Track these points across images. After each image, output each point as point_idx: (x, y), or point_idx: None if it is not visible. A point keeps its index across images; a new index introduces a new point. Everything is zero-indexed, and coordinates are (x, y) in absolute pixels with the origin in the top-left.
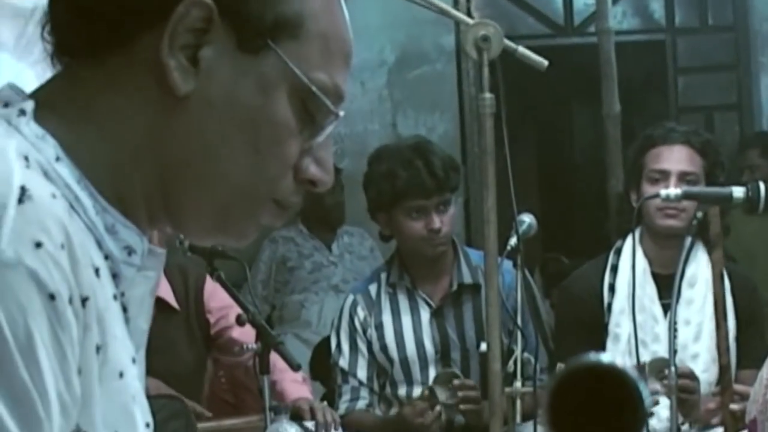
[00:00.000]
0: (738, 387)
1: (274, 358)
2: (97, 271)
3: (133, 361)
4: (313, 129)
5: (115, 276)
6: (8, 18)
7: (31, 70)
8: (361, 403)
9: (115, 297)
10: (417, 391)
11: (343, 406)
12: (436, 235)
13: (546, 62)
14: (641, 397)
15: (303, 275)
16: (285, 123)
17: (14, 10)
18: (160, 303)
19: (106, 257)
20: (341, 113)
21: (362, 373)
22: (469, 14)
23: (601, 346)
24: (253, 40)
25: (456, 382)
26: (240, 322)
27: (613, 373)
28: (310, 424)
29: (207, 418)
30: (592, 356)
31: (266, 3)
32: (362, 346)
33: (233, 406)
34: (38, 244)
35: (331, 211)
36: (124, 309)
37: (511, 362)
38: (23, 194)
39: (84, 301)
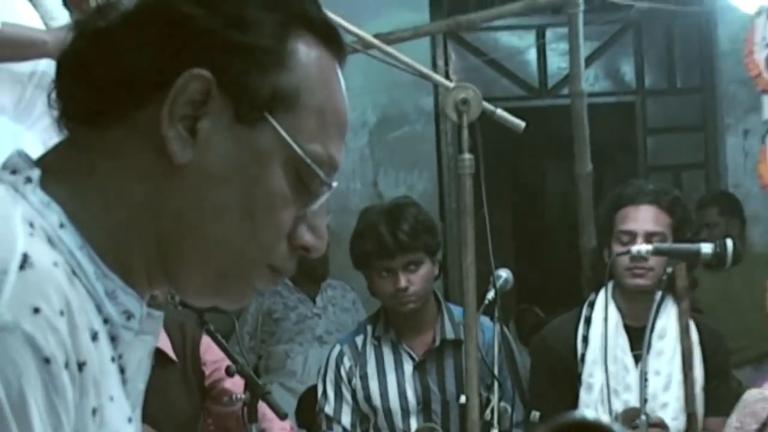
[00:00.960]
0: None
1: (262, 407)
2: (95, 335)
3: (129, 420)
4: (308, 198)
5: (113, 339)
6: (7, 83)
7: (29, 132)
8: None
9: (113, 359)
10: None
11: None
12: (404, 293)
13: (523, 124)
14: None
15: (288, 326)
16: (280, 192)
17: (12, 75)
18: (159, 354)
19: (106, 321)
20: (335, 183)
21: (346, 419)
22: (447, 77)
23: (575, 395)
24: (250, 112)
25: None
26: (229, 373)
27: (599, 427)
28: None
29: None
30: (579, 412)
31: (263, 77)
32: (347, 394)
33: None
34: (36, 310)
35: (315, 266)
36: (122, 370)
37: (488, 411)
38: (25, 261)
39: (81, 365)
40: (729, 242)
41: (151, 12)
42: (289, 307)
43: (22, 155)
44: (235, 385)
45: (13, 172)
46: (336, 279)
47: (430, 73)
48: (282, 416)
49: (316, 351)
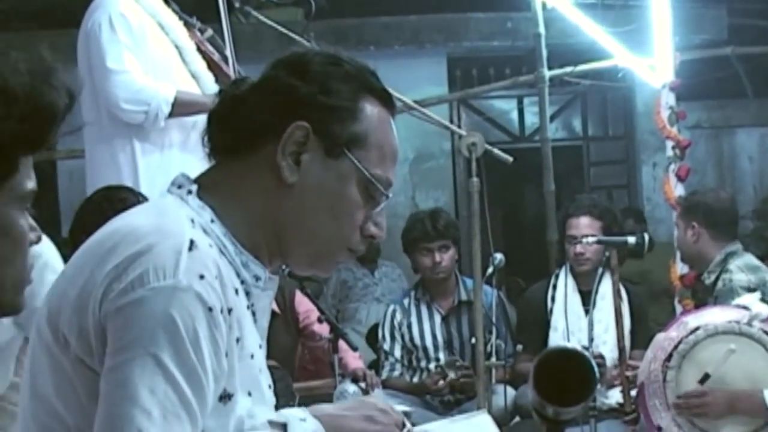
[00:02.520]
0: (631, 362)
1: (341, 343)
2: (236, 291)
3: (260, 347)
4: (373, 204)
5: (247, 293)
6: (176, 127)
7: (194, 158)
8: (396, 373)
9: (248, 307)
10: (431, 366)
11: (384, 374)
12: (439, 266)
13: (510, 159)
14: (593, 369)
15: (356, 291)
16: (355, 201)
17: (181, 123)
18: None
19: (242, 282)
20: (390, 195)
21: (397, 353)
22: (459, 127)
23: (545, 335)
24: (335, 149)
25: (458, 364)
26: (319, 320)
27: (575, 353)
28: (363, 384)
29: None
30: (562, 344)
31: (343, 126)
32: (398, 336)
33: (313, 372)
34: (201, 276)
35: (372, 251)
36: (254, 314)
37: (489, 347)
38: (192, 244)
39: (229, 311)
40: (646, 236)
41: (269, 84)
42: (357, 278)
43: (185, 176)
44: (321, 328)
45: (179, 186)
46: (388, 261)
47: (450, 125)
48: (354, 349)
49: (375, 307)
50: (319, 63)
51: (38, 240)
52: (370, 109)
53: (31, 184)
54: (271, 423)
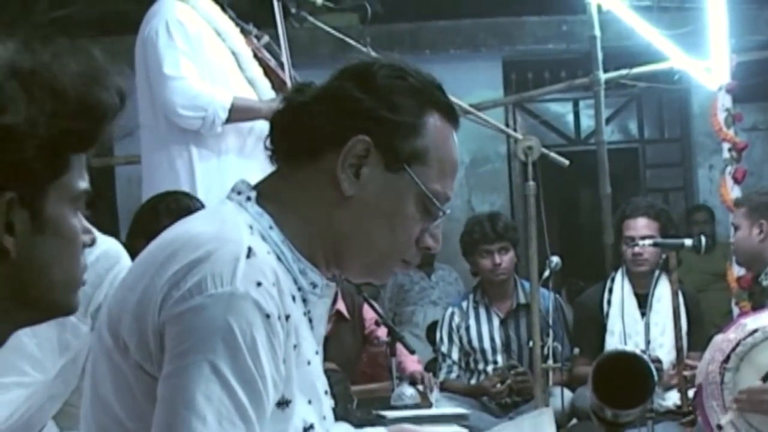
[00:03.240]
0: (689, 361)
1: (399, 346)
2: (294, 298)
3: (316, 352)
4: (429, 218)
5: (305, 300)
6: (233, 133)
7: (253, 165)
8: (453, 375)
9: (304, 314)
10: (489, 369)
11: (442, 376)
12: (498, 267)
13: (567, 162)
14: (651, 372)
15: (413, 294)
16: (412, 216)
17: (238, 129)
18: (339, 314)
19: (299, 289)
20: (447, 211)
21: (455, 355)
22: (514, 131)
23: (602, 339)
24: (395, 164)
25: (516, 369)
26: (377, 323)
27: (633, 356)
28: (420, 387)
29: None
30: (620, 347)
31: (404, 141)
32: (455, 339)
33: (370, 376)
34: (259, 284)
35: (428, 255)
36: (310, 321)
37: (546, 349)
38: (249, 252)
39: (287, 317)
40: (703, 238)
41: (333, 94)
42: (414, 282)
43: (244, 182)
44: (380, 332)
45: (239, 193)
46: (444, 264)
47: (506, 129)
48: (411, 352)
49: (432, 310)
50: (384, 76)
51: (92, 243)
52: (433, 123)
53: (83, 184)
54: None
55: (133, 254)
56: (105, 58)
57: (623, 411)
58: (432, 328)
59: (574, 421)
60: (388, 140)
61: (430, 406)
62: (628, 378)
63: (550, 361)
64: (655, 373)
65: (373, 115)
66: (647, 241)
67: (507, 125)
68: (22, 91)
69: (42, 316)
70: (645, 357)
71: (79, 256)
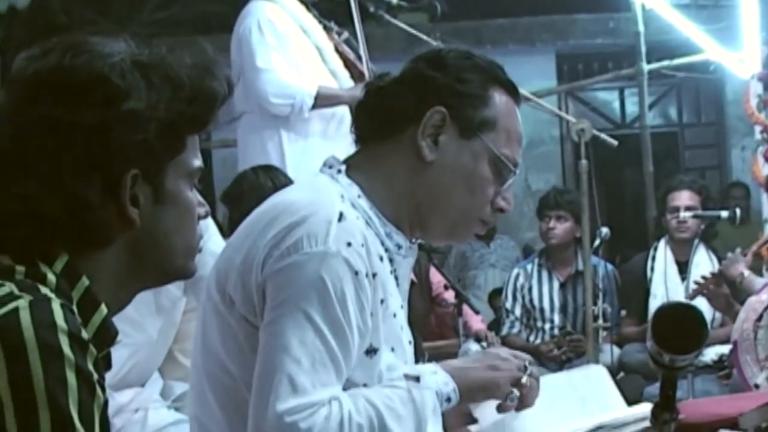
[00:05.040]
0: None
1: (465, 307)
2: (381, 258)
3: (401, 307)
4: (502, 180)
5: (391, 260)
6: (317, 118)
7: (336, 146)
8: (515, 330)
9: (391, 272)
10: (546, 327)
11: (504, 330)
12: (550, 232)
13: (616, 142)
14: (704, 321)
15: (474, 260)
16: (486, 177)
17: (321, 114)
18: None
19: (386, 250)
20: (517, 171)
21: (517, 312)
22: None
23: (646, 302)
24: (468, 131)
25: (571, 336)
26: (445, 287)
27: (689, 307)
28: (484, 344)
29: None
30: (675, 300)
31: (476, 110)
32: (519, 297)
33: (437, 334)
34: (349, 244)
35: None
36: (396, 279)
37: (596, 309)
38: (341, 216)
39: (374, 275)
40: (738, 210)
41: (410, 75)
42: (474, 249)
43: (334, 158)
44: (448, 295)
45: (330, 167)
46: (502, 233)
47: (562, 113)
48: (476, 312)
49: (491, 273)
50: (453, 57)
51: (207, 215)
52: (499, 97)
53: (197, 162)
54: (407, 376)
55: (233, 206)
56: (215, 51)
57: (679, 356)
58: (493, 295)
59: (622, 374)
60: (461, 110)
61: None
62: (684, 327)
63: (600, 321)
64: (708, 322)
65: (447, 89)
66: (688, 213)
67: (559, 107)
68: (143, 80)
69: (163, 279)
70: (699, 308)
71: (195, 225)
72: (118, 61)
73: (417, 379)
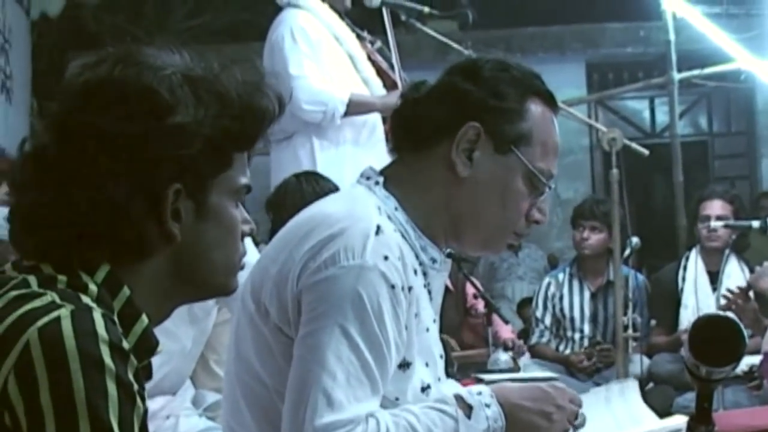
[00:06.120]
0: None
1: (494, 317)
2: (416, 271)
3: (434, 321)
4: (537, 194)
5: (425, 274)
6: (348, 126)
7: (367, 154)
8: (544, 339)
9: (424, 286)
10: (576, 336)
11: (534, 339)
12: (583, 242)
13: (647, 152)
14: (742, 333)
15: (502, 271)
16: (521, 192)
17: (352, 122)
18: (445, 288)
19: (421, 263)
20: (552, 185)
21: (547, 321)
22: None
23: (676, 312)
24: (503, 146)
25: (601, 346)
26: (475, 297)
27: (726, 319)
28: (511, 353)
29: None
30: (712, 312)
31: (511, 126)
32: (549, 306)
33: (469, 344)
34: (386, 257)
35: None
36: (429, 292)
37: (626, 319)
38: (378, 229)
39: (409, 289)
40: None
41: (445, 88)
42: (503, 259)
43: (372, 169)
44: (478, 304)
45: (367, 178)
46: (530, 242)
47: (593, 122)
48: (506, 322)
49: (519, 284)
50: (489, 69)
51: (251, 232)
52: (535, 109)
53: (244, 179)
54: (458, 399)
55: (275, 216)
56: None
57: (716, 368)
58: (523, 305)
59: (651, 384)
60: (496, 125)
61: (518, 370)
62: (721, 339)
63: (630, 331)
64: (746, 335)
65: (482, 103)
66: (719, 223)
67: (589, 116)
68: (192, 95)
69: (203, 295)
70: (737, 320)
71: (238, 242)
72: (168, 74)
73: (469, 408)
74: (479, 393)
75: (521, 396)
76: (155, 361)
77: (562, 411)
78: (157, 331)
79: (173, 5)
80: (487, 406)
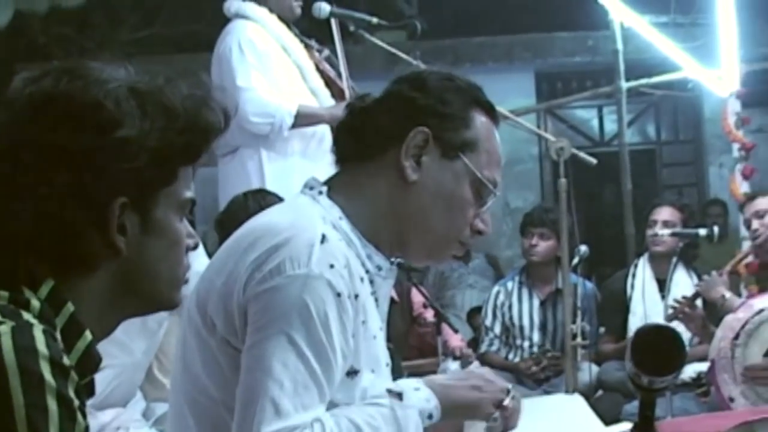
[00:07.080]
0: None
1: (444, 326)
2: (362, 279)
3: (381, 329)
4: (482, 202)
5: (371, 282)
6: (297, 137)
7: (316, 165)
8: (494, 347)
9: (371, 294)
10: (525, 344)
11: (483, 348)
12: (532, 248)
13: (595, 161)
14: (683, 344)
15: (453, 279)
16: (467, 199)
17: (302, 134)
18: (390, 298)
19: (367, 271)
20: (498, 193)
21: (497, 329)
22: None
23: (625, 319)
24: (450, 152)
25: (549, 354)
26: (425, 307)
27: (667, 329)
28: (460, 361)
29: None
30: (653, 322)
31: (457, 132)
32: (499, 315)
33: (418, 353)
34: (331, 266)
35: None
36: (376, 300)
37: (575, 327)
38: (323, 238)
39: (356, 296)
40: (716, 228)
41: (392, 97)
42: (453, 269)
43: (315, 179)
44: (427, 313)
45: (311, 188)
46: (479, 252)
47: (541, 131)
48: (455, 331)
49: (469, 293)
50: (434, 79)
51: (195, 246)
52: (479, 119)
53: (189, 193)
54: (389, 391)
55: (224, 238)
56: (186, 76)
57: (658, 378)
58: (472, 313)
59: (600, 392)
60: (443, 131)
61: None
62: (662, 348)
63: (579, 339)
64: (687, 345)
65: (429, 109)
66: (666, 231)
67: (539, 126)
68: (138, 109)
69: (147, 309)
70: (678, 330)
71: (183, 256)
72: (114, 87)
73: (400, 395)
74: (407, 382)
75: (448, 378)
76: (107, 373)
77: (491, 383)
78: (111, 343)
79: (122, 16)
80: (417, 389)
